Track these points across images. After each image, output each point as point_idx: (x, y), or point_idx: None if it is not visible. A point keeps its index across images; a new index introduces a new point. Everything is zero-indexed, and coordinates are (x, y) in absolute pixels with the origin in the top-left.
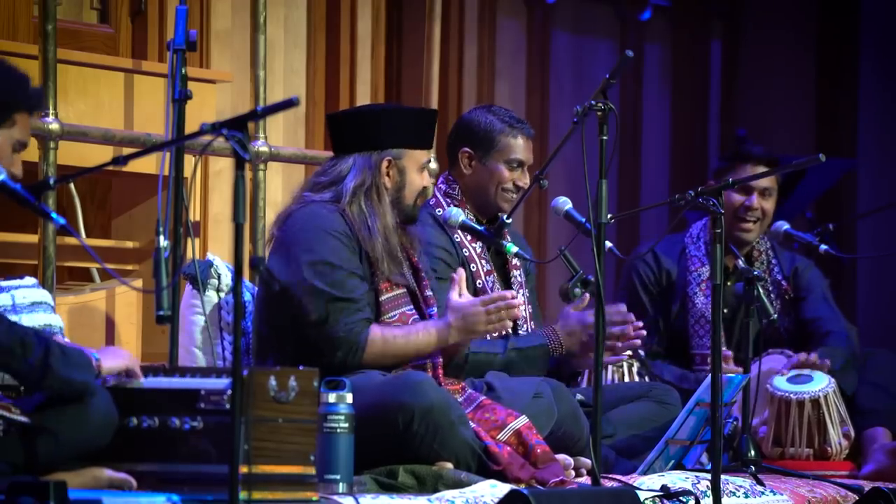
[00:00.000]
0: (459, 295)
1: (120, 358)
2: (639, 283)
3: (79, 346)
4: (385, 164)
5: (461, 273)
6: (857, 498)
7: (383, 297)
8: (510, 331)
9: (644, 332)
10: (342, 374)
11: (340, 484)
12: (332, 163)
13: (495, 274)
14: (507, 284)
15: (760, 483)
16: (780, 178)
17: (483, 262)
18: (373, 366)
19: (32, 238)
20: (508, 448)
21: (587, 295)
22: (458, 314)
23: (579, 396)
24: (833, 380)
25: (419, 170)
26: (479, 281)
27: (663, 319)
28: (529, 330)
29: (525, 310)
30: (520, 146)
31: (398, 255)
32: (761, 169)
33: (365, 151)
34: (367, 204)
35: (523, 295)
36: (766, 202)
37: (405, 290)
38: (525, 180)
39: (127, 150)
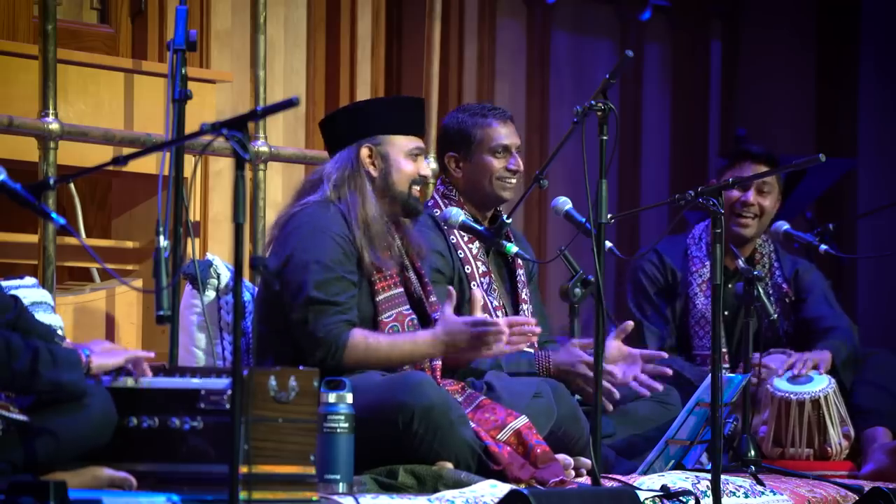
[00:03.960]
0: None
1: (114, 357)
2: (647, 281)
3: (73, 345)
4: (365, 151)
5: (454, 292)
6: (857, 498)
7: (380, 297)
8: None
9: (668, 372)
10: (336, 375)
11: (340, 484)
12: (323, 164)
13: (492, 276)
14: (512, 283)
15: (760, 483)
16: (781, 177)
17: (479, 263)
18: (353, 369)
19: (32, 238)
20: (508, 448)
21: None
22: (445, 328)
23: (578, 396)
24: (833, 380)
25: (407, 156)
26: (473, 283)
27: (672, 314)
28: None
29: (527, 309)
30: (497, 132)
31: (384, 242)
32: (761, 167)
33: (347, 146)
34: (351, 193)
35: (527, 294)
36: (765, 199)
37: (402, 289)
38: (518, 163)
39: (127, 150)
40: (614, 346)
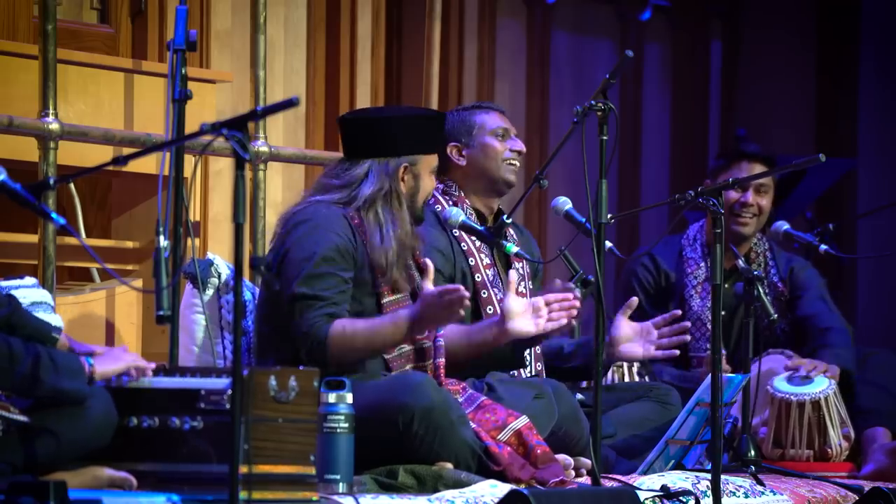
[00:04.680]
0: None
1: (117, 361)
2: (638, 286)
3: (78, 346)
4: (402, 171)
5: (431, 265)
6: (857, 498)
7: (385, 300)
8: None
9: (688, 324)
10: (332, 374)
11: (340, 484)
12: (345, 167)
13: (496, 267)
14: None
15: (760, 483)
16: (778, 176)
17: (482, 255)
18: (344, 361)
19: (32, 238)
20: (509, 448)
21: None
22: (421, 303)
23: (579, 396)
24: (833, 381)
25: (430, 174)
26: (478, 275)
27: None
28: None
29: None
30: (495, 117)
31: (409, 262)
32: (758, 166)
33: (381, 157)
34: (386, 210)
35: (526, 287)
36: (762, 199)
37: (407, 294)
38: (520, 144)
39: (127, 150)
40: (624, 324)
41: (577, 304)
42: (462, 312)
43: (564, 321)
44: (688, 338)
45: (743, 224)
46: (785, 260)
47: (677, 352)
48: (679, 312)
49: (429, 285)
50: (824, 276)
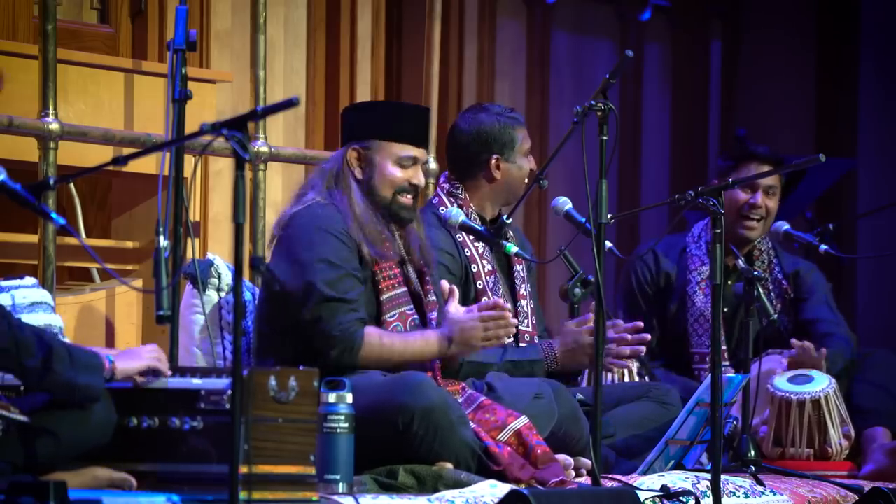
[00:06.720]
0: (456, 307)
1: (138, 359)
2: (636, 283)
3: (94, 349)
4: (353, 154)
5: (449, 285)
6: (857, 498)
7: (384, 297)
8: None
9: (648, 337)
10: (341, 374)
11: (340, 484)
12: (326, 160)
13: (497, 273)
14: (509, 280)
15: (760, 483)
16: (783, 177)
17: (484, 262)
18: (367, 367)
19: (32, 238)
20: (508, 448)
21: (590, 315)
22: (455, 326)
23: (579, 396)
24: (833, 380)
25: (396, 163)
26: (479, 282)
27: (659, 320)
28: (531, 325)
29: (527, 305)
30: (526, 134)
31: (380, 237)
32: (766, 168)
33: (343, 144)
34: (339, 192)
35: (526, 290)
36: (770, 200)
37: (406, 289)
38: (534, 164)
39: (127, 150)
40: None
41: (512, 319)
42: (507, 338)
43: (506, 339)
44: (643, 349)
45: (750, 228)
46: (790, 260)
47: (629, 363)
48: (640, 325)
49: (452, 308)
50: (827, 278)
